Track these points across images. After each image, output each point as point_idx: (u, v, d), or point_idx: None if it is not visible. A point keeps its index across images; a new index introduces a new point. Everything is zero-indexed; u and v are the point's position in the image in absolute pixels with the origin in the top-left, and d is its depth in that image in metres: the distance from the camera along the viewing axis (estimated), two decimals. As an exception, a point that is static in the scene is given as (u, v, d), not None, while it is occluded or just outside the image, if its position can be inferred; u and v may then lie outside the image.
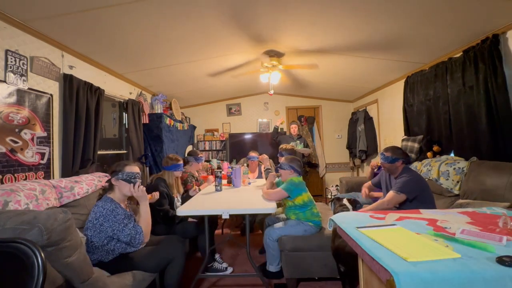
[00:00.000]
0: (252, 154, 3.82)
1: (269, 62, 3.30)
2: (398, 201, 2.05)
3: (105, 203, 1.65)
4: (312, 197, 2.30)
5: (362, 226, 1.26)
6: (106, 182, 1.80)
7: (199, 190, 2.86)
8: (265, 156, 3.21)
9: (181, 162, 2.59)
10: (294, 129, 4.77)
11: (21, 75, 2.05)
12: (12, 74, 1.98)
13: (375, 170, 3.24)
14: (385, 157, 2.18)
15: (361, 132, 5.12)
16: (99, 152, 2.89)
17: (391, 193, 2.07)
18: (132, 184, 1.72)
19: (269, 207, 2.06)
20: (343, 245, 1.69)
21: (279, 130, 4.94)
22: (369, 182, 2.73)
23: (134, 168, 1.77)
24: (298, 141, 4.63)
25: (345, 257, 1.69)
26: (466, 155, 2.66)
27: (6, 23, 1.95)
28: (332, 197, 2.57)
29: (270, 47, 3.12)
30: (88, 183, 2.34)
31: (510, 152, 2.28)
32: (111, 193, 1.73)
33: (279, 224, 2.27)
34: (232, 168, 3.21)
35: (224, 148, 5.85)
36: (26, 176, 2.07)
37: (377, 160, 3.73)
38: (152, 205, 2.32)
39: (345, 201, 2.20)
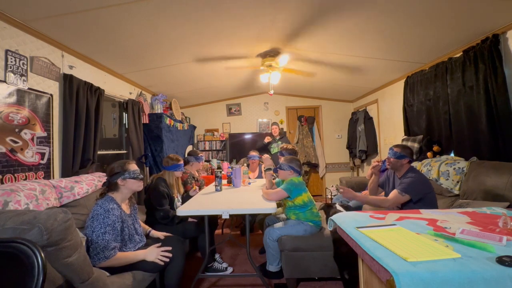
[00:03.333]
0: (253, 153, 3.82)
1: (269, 62, 3.30)
2: (401, 202, 2.04)
3: (104, 202, 1.65)
4: (312, 197, 2.30)
5: (362, 226, 1.26)
6: (104, 185, 1.77)
7: (199, 190, 2.86)
8: (265, 156, 3.22)
9: (182, 162, 2.59)
10: (274, 130, 4.73)
11: (21, 75, 2.05)
12: (12, 74, 1.98)
13: (380, 167, 3.23)
14: (393, 152, 2.19)
15: (361, 132, 5.12)
16: (99, 152, 2.89)
17: (394, 193, 2.05)
18: (137, 180, 1.78)
19: (269, 207, 2.06)
20: (347, 251, 1.65)
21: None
22: (368, 189, 2.68)
23: (134, 166, 1.82)
24: (279, 142, 4.56)
25: (350, 265, 1.65)
26: (466, 155, 2.66)
27: (6, 23, 1.95)
28: (322, 204, 2.52)
29: (270, 47, 3.12)
30: (88, 183, 2.34)
31: (510, 152, 2.28)
32: (113, 193, 1.73)
33: (279, 224, 2.27)
34: (232, 168, 3.21)
35: (224, 148, 5.85)
36: (26, 176, 2.07)
37: (377, 159, 3.72)
38: (152, 205, 2.33)
39: (338, 207, 2.19)
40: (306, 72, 3.76)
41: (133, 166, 1.80)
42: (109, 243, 1.55)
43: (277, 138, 4.68)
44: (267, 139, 4.71)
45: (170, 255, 1.74)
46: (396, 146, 2.23)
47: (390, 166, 2.25)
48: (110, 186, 1.74)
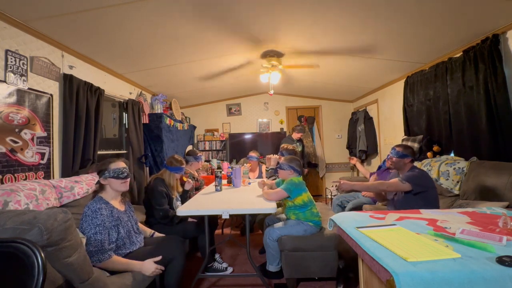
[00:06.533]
0: (252, 154, 3.81)
1: (269, 62, 3.30)
2: (399, 189, 2.05)
3: (92, 203, 1.64)
4: (312, 197, 2.29)
5: (362, 226, 1.26)
6: (96, 184, 1.77)
7: (200, 190, 2.86)
8: (274, 156, 3.14)
9: (184, 165, 2.59)
10: (297, 135, 4.77)
11: (21, 75, 2.05)
12: (12, 74, 1.98)
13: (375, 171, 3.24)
14: (396, 152, 2.21)
15: (361, 132, 5.12)
16: (99, 152, 2.89)
17: (394, 180, 2.07)
18: (120, 180, 1.72)
19: (269, 207, 2.06)
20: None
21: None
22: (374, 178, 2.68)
23: (119, 164, 1.76)
24: (297, 143, 4.68)
25: (346, 254, 1.70)
26: (466, 155, 2.66)
27: (6, 23, 1.95)
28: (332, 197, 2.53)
29: (270, 47, 3.12)
30: (88, 183, 2.35)
31: (510, 152, 2.28)
32: (102, 193, 1.73)
33: (279, 224, 2.27)
34: (232, 168, 3.21)
35: (224, 148, 5.85)
36: (26, 176, 2.07)
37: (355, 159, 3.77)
38: (151, 205, 2.33)
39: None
40: (307, 65, 3.71)
41: (116, 164, 1.73)
42: (102, 244, 1.54)
43: (296, 140, 4.73)
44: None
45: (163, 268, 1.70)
46: (398, 145, 2.25)
47: (393, 166, 2.28)
48: (99, 186, 1.74)
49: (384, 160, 2.39)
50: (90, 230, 1.54)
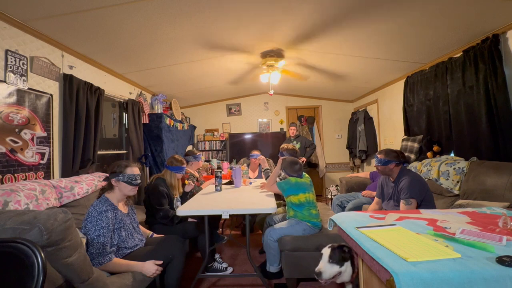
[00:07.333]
0: (255, 152, 3.81)
1: (269, 62, 3.29)
2: (411, 210, 1.92)
3: (98, 203, 1.64)
4: (312, 199, 2.29)
5: (362, 226, 1.26)
6: (104, 180, 1.78)
7: (193, 183, 2.84)
8: (262, 157, 3.23)
9: (185, 165, 2.59)
10: (292, 131, 4.82)
11: (21, 75, 2.05)
12: (12, 74, 1.98)
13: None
14: (379, 160, 2.17)
15: (361, 132, 5.12)
16: (99, 152, 2.89)
17: (402, 207, 2.00)
18: (132, 186, 1.73)
19: (269, 207, 2.06)
20: None
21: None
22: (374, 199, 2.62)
23: (134, 170, 1.76)
24: (294, 141, 4.67)
25: None
26: (466, 155, 2.66)
27: (6, 23, 1.95)
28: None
29: (270, 47, 3.11)
30: (88, 183, 2.35)
31: (510, 152, 2.28)
32: (109, 193, 1.73)
33: (279, 224, 2.27)
34: (232, 168, 3.21)
35: (224, 148, 5.85)
36: (26, 176, 2.07)
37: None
38: (151, 205, 2.33)
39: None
40: (302, 75, 3.74)
41: (132, 170, 1.74)
42: (104, 247, 1.54)
43: (293, 138, 4.74)
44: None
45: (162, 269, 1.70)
46: (380, 152, 2.22)
47: (381, 173, 2.27)
48: (108, 185, 1.74)
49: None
50: (94, 232, 1.54)
